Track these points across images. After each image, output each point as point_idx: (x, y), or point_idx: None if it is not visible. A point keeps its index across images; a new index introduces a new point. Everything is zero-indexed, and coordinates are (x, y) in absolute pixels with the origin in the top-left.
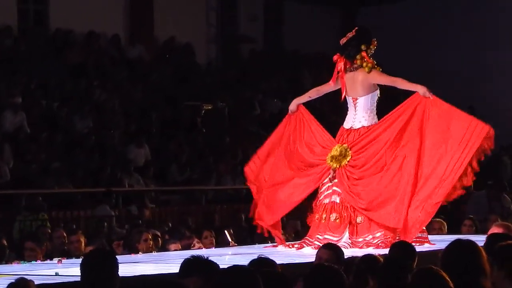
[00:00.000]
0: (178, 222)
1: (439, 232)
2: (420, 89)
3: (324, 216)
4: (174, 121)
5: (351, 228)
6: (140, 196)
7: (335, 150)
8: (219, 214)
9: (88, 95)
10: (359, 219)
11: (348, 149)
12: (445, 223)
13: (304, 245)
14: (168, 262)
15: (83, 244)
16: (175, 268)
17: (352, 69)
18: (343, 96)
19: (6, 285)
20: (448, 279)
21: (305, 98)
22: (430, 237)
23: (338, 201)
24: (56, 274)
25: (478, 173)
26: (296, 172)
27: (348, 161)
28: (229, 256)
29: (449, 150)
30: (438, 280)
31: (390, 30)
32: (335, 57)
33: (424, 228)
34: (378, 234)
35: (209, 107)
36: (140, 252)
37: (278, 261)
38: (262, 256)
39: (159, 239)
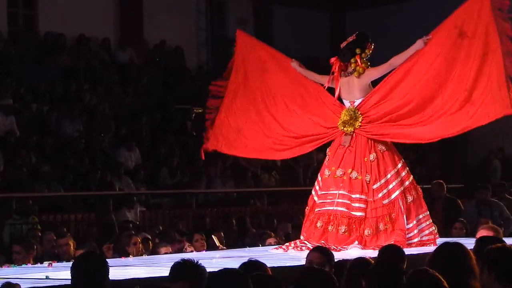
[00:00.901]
0: (169, 225)
1: None
2: (418, 45)
3: (331, 228)
4: (165, 125)
5: (359, 239)
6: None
7: (344, 115)
8: (210, 217)
9: (78, 98)
10: (367, 232)
11: (357, 111)
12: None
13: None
14: (159, 266)
15: (72, 248)
16: (165, 272)
17: (348, 73)
18: (336, 95)
19: None
20: (443, 280)
21: (304, 71)
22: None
23: (345, 209)
24: (47, 278)
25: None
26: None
27: (361, 122)
28: (216, 259)
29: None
30: (433, 281)
31: (379, 34)
32: (332, 59)
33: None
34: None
35: (200, 111)
36: (130, 256)
37: (269, 264)
38: (253, 259)
39: (150, 242)
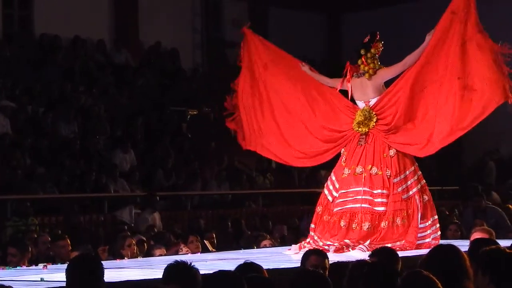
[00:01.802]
0: (164, 227)
1: None
2: (427, 41)
3: (354, 225)
4: (160, 127)
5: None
6: (125, 201)
7: (359, 116)
8: (205, 219)
9: (73, 100)
10: (383, 224)
11: (371, 111)
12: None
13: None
14: (153, 268)
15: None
16: (159, 274)
17: (360, 74)
18: (349, 96)
19: None
20: (437, 282)
21: (315, 75)
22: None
23: (367, 205)
24: (42, 280)
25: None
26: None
27: (376, 122)
28: (211, 261)
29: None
30: (427, 283)
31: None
32: (347, 63)
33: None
34: (398, 243)
35: (195, 113)
36: (125, 258)
37: (265, 266)
38: (249, 261)
39: (145, 244)
